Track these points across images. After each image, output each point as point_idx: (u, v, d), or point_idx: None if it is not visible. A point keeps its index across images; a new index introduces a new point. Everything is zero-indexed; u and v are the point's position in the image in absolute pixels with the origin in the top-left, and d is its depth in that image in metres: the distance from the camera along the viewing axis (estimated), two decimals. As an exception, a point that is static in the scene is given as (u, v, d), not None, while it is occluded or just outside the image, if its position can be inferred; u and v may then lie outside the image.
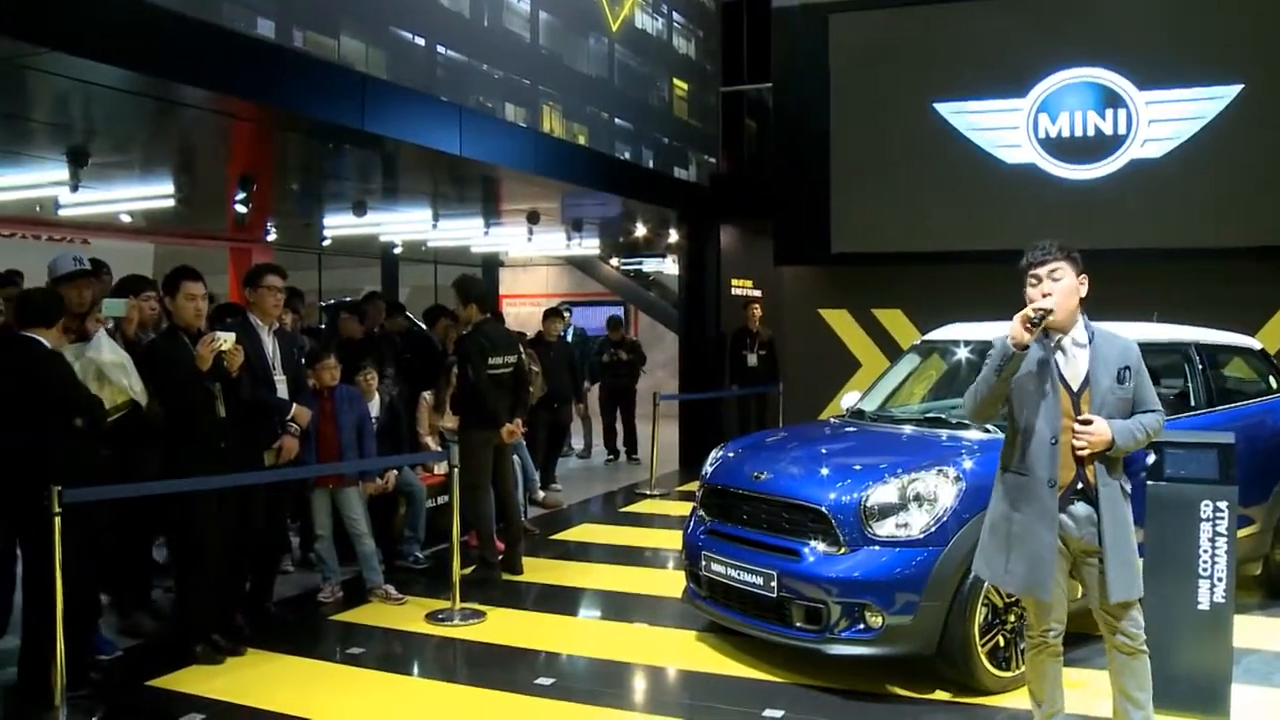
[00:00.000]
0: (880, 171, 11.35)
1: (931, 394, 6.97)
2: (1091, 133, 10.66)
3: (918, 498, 5.00)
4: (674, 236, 14.02)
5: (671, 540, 8.10)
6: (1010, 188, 10.85)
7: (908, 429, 6.08)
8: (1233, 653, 4.79)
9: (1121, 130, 10.58)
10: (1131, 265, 9.80)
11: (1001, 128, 10.90)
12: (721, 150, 14.04)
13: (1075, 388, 3.87)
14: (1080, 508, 3.86)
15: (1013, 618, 4.98)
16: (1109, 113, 10.62)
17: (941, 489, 5.00)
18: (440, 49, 8.68)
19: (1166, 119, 10.48)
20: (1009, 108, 10.87)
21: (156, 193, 10.38)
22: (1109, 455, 3.82)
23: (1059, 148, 10.73)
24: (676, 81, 12.66)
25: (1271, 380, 7.24)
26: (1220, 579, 4.80)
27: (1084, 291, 3.91)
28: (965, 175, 11.01)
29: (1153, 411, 3.93)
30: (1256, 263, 10.37)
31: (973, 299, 9.85)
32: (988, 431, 5.53)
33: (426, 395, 8.35)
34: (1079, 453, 3.81)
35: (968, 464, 5.13)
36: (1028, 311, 3.73)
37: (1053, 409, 3.83)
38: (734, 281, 13.50)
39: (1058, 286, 3.83)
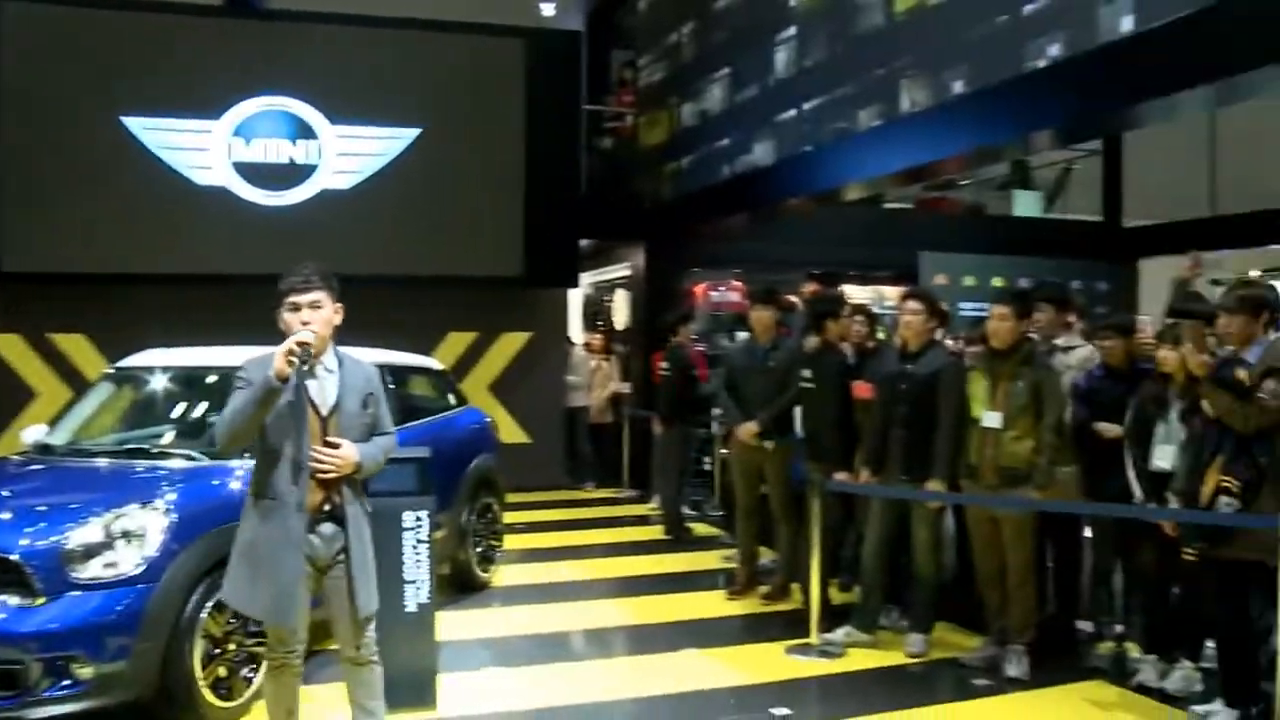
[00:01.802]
0: (63, 185, 10.43)
1: (129, 424, 6.57)
2: (284, 160, 10.91)
3: (125, 534, 4.70)
4: None
5: None
6: (204, 210, 10.68)
7: (105, 462, 5.70)
8: (436, 647, 5.19)
9: (313, 160, 10.99)
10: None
11: (195, 148, 10.70)
12: None
13: (325, 413, 3.94)
14: (327, 528, 3.95)
15: (233, 646, 4.89)
16: (301, 142, 10.96)
17: (150, 523, 4.75)
18: None
19: (355, 153, 11.10)
20: (202, 129, 10.72)
21: None
22: (355, 477, 3.98)
23: (252, 173, 10.82)
24: None
25: (450, 397, 7.96)
26: (423, 582, 5.18)
27: (339, 320, 4.00)
28: (157, 195, 10.59)
29: (387, 434, 4.16)
30: (431, 290, 11.40)
31: (168, 323, 9.58)
32: (192, 460, 5.42)
33: None
34: (324, 475, 3.88)
35: (175, 495, 4.95)
36: (291, 345, 3.72)
37: (303, 434, 3.85)
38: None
39: (318, 316, 3.89)
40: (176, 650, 4.63)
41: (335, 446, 3.89)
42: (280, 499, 3.84)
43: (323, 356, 3.97)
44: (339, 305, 4.01)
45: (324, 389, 3.96)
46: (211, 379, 6.45)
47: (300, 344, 3.73)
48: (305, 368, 3.78)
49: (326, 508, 3.94)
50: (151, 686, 4.61)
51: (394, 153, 11.20)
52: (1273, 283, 5.45)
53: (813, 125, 9.22)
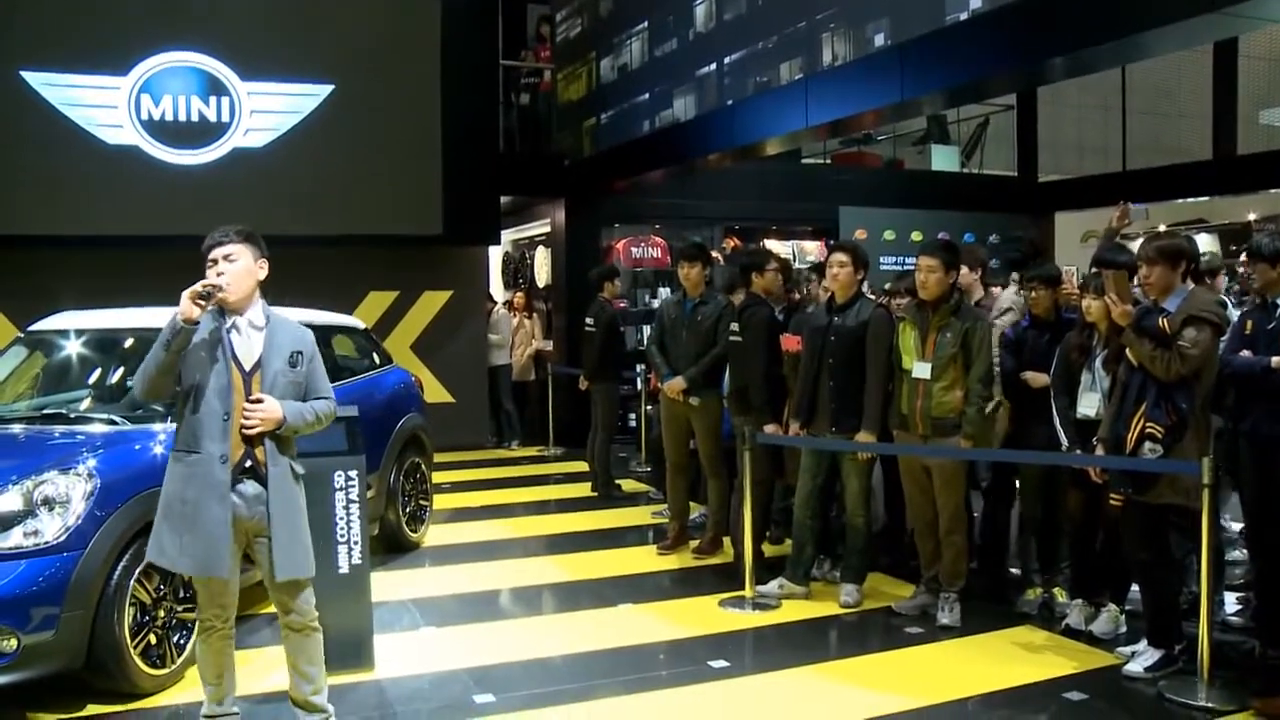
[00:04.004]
0: (-39, 144, 10.08)
1: (45, 388, 6.37)
2: (195, 118, 10.59)
3: (47, 501, 4.56)
4: None
5: None
6: (113, 170, 10.33)
7: (21, 429, 5.51)
8: (371, 608, 5.15)
9: (225, 118, 10.68)
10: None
11: (102, 105, 10.31)
12: None
13: (248, 368, 3.94)
14: (249, 486, 3.93)
15: (163, 612, 4.79)
16: (212, 99, 10.65)
17: (74, 489, 4.62)
18: None
19: (268, 110, 10.81)
20: (109, 85, 10.33)
21: None
22: (280, 434, 3.94)
23: (163, 131, 10.48)
24: None
25: (375, 356, 7.85)
26: (356, 543, 5.11)
27: (262, 275, 4.03)
28: (63, 154, 10.21)
29: (324, 399, 4.13)
30: (350, 249, 11.22)
31: (81, 286, 9.31)
32: (114, 424, 5.28)
33: None
34: (248, 431, 3.87)
35: (97, 460, 4.79)
36: (196, 287, 3.75)
37: (225, 386, 3.86)
38: None
39: (232, 268, 3.92)
40: (105, 619, 4.52)
41: (258, 402, 3.89)
42: (203, 450, 3.84)
43: (249, 313, 3.99)
44: (263, 261, 4.04)
45: (249, 345, 3.97)
46: (129, 342, 6.28)
47: (205, 285, 3.78)
48: (213, 307, 3.86)
49: (248, 464, 3.93)
50: (80, 656, 4.49)
51: (308, 110, 10.94)
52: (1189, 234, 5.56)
53: (733, 79, 9.20)
